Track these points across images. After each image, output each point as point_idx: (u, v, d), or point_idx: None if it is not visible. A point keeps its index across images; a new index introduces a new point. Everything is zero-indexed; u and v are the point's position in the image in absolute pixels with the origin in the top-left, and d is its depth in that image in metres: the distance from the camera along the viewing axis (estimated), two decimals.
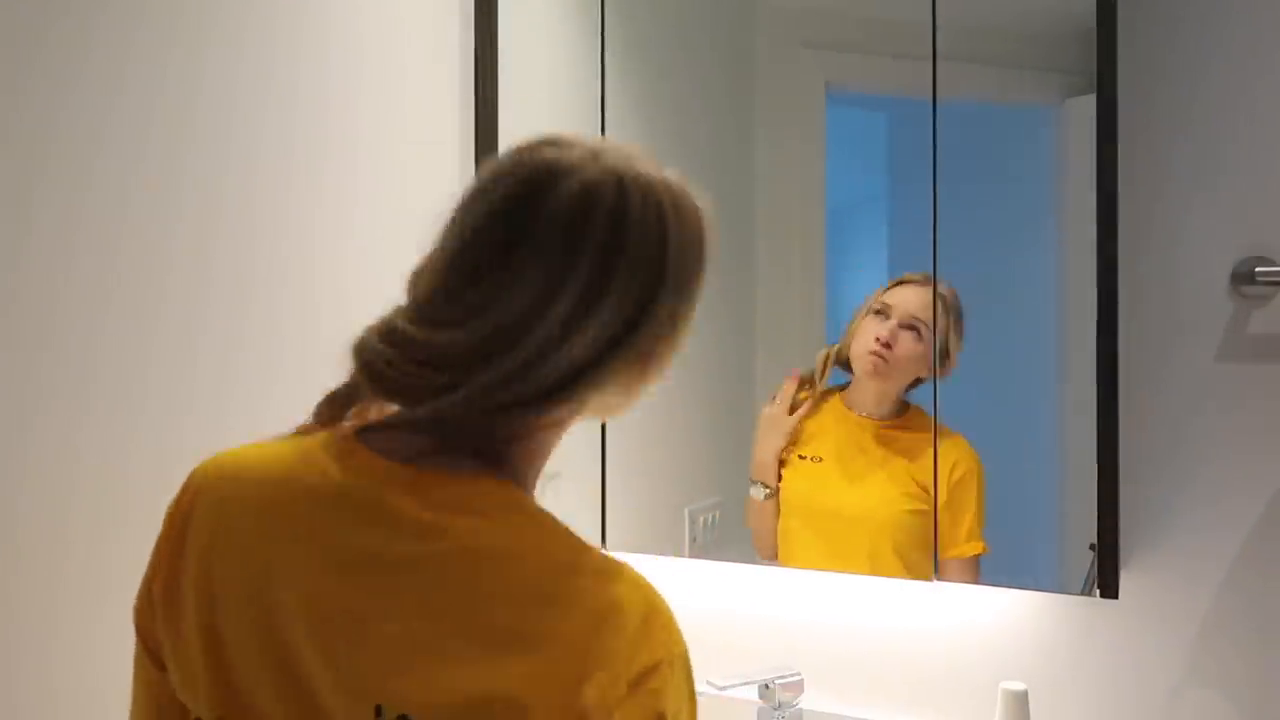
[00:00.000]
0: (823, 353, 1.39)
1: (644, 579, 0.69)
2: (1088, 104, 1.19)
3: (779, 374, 1.43)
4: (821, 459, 1.40)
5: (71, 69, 1.15)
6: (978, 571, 1.31)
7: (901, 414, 1.36)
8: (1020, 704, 1.19)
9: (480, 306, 0.70)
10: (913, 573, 1.32)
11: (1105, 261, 1.19)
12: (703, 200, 0.75)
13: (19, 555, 1.10)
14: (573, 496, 1.54)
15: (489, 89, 1.57)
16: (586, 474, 1.52)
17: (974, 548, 1.31)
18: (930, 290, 1.30)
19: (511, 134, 1.56)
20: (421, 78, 1.56)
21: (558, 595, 0.66)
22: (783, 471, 1.42)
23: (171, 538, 0.74)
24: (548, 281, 0.69)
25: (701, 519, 1.49)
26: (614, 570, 0.69)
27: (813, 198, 1.42)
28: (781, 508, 1.42)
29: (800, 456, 1.41)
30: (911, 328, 1.32)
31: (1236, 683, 1.20)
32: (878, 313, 1.34)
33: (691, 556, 1.47)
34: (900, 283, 1.34)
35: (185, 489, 0.75)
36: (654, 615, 0.67)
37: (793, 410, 1.41)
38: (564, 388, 0.70)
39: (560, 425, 0.76)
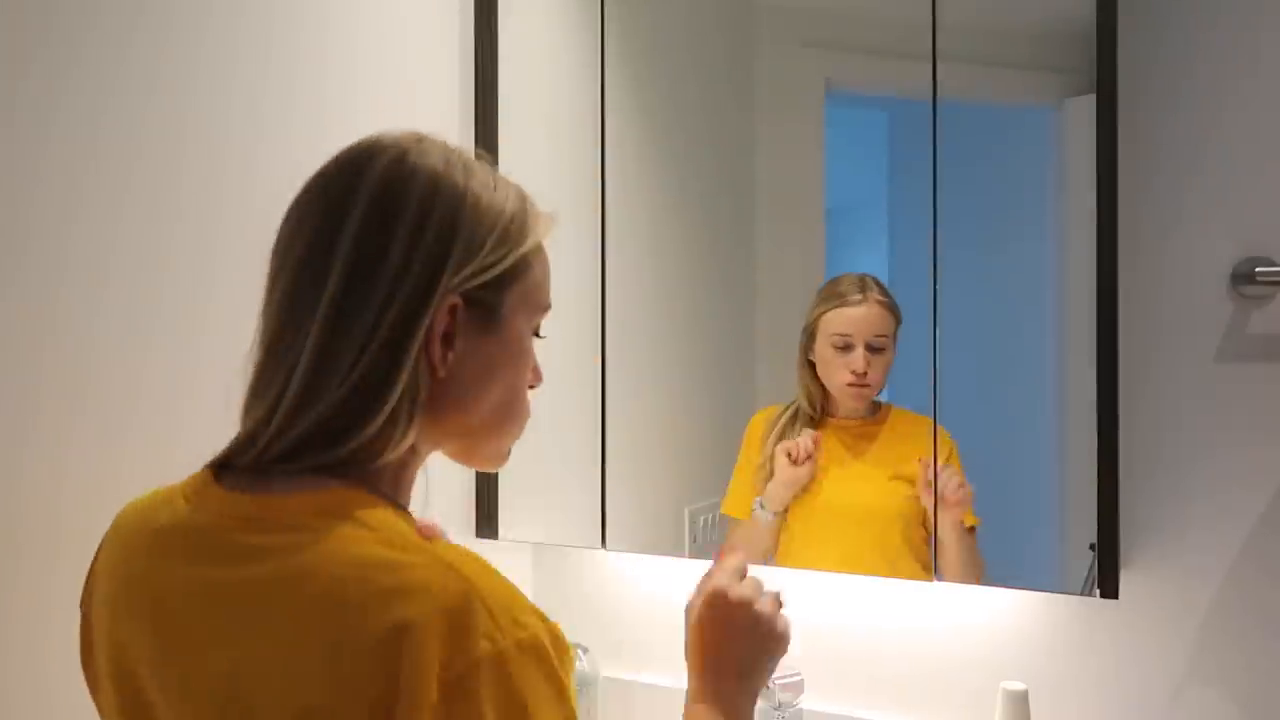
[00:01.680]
0: (789, 410, 1.41)
1: (457, 564, 0.63)
2: (1088, 104, 1.19)
3: (779, 374, 1.43)
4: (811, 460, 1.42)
5: (66, 68, 1.15)
6: (975, 544, 1.31)
7: (876, 411, 1.39)
8: (1020, 704, 1.19)
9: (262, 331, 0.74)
10: (922, 554, 1.33)
11: (1105, 261, 1.19)
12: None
13: (17, 557, 1.10)
14: (573, 496, 1.54)
15: (489, 89, 1.57)
16: (586, 474, 1.52)
17: (968, 521, 1.31)
18: (869, 305, 1.35)
19: (511, 134, 1.56)
20: (421, 78, 1.56)
21: (354, 601, 0.62)
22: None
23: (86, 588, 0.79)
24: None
25: (701, 519, 1.48)
26: (421, 563, 0.63)
27: (813, 198, 1.42)
28: (786, 517, 1.43)
29: (794, 462, 1.42)
30: (878, 349, 1.35)
31: (1237, 682, 1.20)
32: (840, 348, 1.36)
33: (691, 556, 1.47)
34: (837, 304, 1.36)
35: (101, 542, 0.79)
36: (465, 608, 0.61)
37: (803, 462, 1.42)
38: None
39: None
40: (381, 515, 0.68)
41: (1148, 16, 1.21)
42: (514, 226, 0.74)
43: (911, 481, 1.33)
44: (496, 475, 1.57)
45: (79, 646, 0.80)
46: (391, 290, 0.68)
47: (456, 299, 0.71)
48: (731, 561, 0.92)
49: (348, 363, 0.68)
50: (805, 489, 1.41)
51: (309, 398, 0.68)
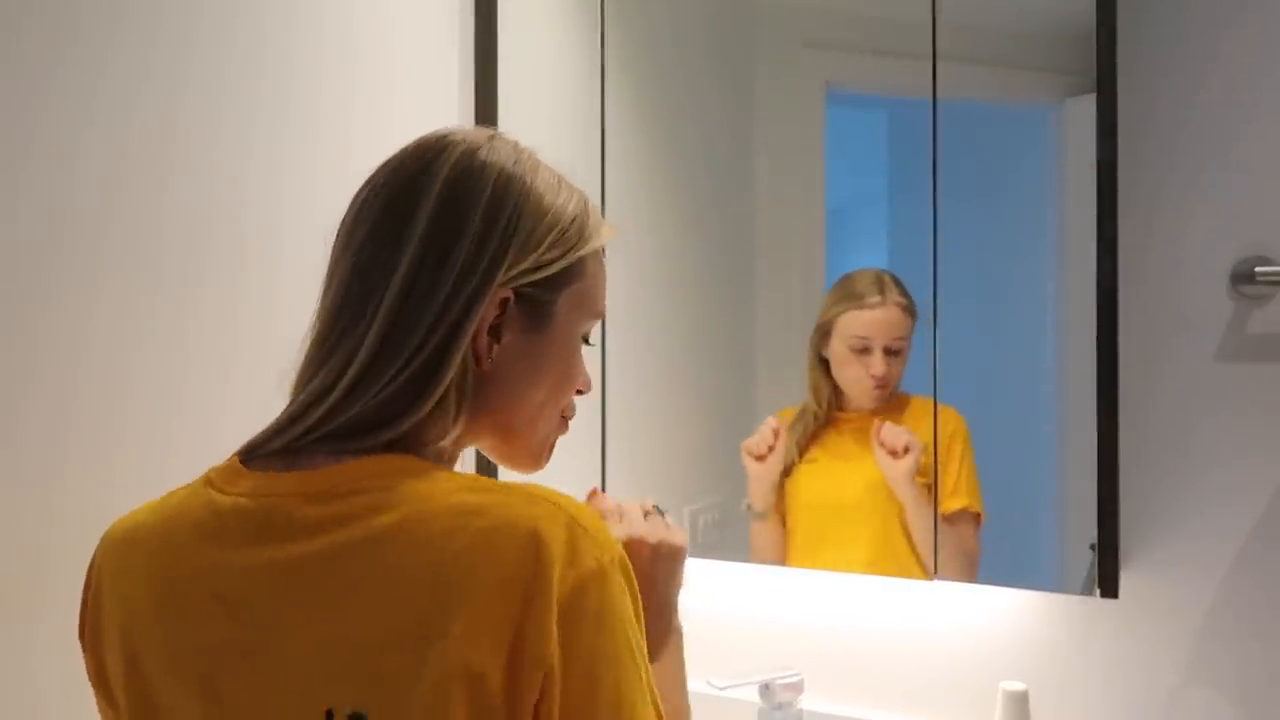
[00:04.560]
0: (794, 411, 1.40)
1: (546, 495, 0.67)
2: (1088, 104, 1.19)
3: (778, 373, 1.44)
4: (816, 459, 1.41)
5: (53, 64, 1.15)
6: (977, 532, 1.30)
7: (889, 400, 1.38)
8: (1020, 704, 1.19)
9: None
10: (923, 536, 1.32)
11: (1104, 261, 1.19)
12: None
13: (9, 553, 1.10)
14: (573, 497, 1.54)
15: (489, 89, 1.57)
16: (586, 474, 1.52)
17: (961, 501, 1.30)
18: (888, 308, 1.33)
19: (511, 134, 1.56)
20: (421, 78, 1.56)
21: (461, 543, 0.63)
22: (785, 480, 1.42)
23: (87, 619, 0.76)
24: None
25: (701, 519, 1.49)
26: (515, 500, 0.66)
27: (813, 198, 1.42)
28: (789, 512, 1.42)
29: (806, 461, 1.42)
30: (895, 351, 1.34)
31: (1237, 682, 1.20)
32: (859, 351, 1.35)
33: (692, 556, 1.47)
34: (855, 306, 1.35)
35: (91, 566, 0.76)
36: (572, 532, 0.64)
37: (766, 455, 1.41)
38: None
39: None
40: (446, 472, 0.69)
41: (1148, 16, 1.21)
42: (573, 229, 0.76)
43: (924, 472, 1.33)
44: (496, 475, 1.57)
45: (88, 677, 0.76)
46: (457, 282, 0.70)
47: (509, 293, 0.72)
48: (601, 505, 0.88)
49: (411, 349, 0.69)
50: (790, 481, 1.40)
51: (369, 380, 0.69)
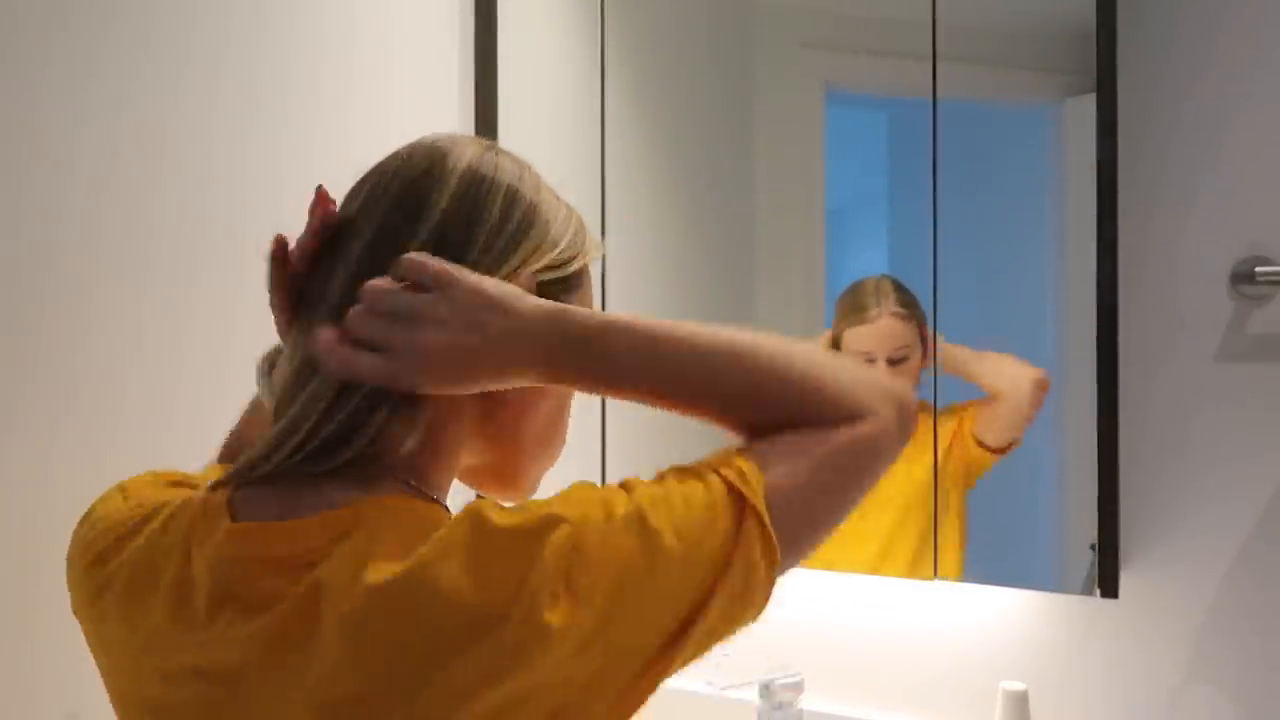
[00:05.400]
0: None
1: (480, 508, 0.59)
2: (1088, 104, 1.19)
3: None
4: None
5: (45, 63, 1.15)
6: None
7: None
8: (1020, 704, 1.19)
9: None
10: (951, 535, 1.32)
11: (1104, 261, 1.19)
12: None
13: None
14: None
15: (489, 89, 1.57)
16: (586, 474, 1.51)
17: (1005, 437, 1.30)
18: (884, 320, 1.33)
19: (511, 134, 1.56)
20: (421, 78, 1.56)
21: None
22: None
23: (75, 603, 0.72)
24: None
25: None
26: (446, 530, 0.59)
27: (813, 198, 1.42)
28: None
29: None
30: (899, 360, 1.34)
31: (1237, 682, 1.20)
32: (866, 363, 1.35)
33: None
34: (855, 322, 1.35)
35: (68, 562, 0.72)
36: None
37: None
38: None
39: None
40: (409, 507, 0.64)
41: (1148, 16, 1.21)
42: (578, 236, 0.73)
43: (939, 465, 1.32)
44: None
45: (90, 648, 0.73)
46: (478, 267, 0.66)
47: (533, 281, 0.68)
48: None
49: None
50: None
51: (361, 395, 0.64)
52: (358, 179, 0.73)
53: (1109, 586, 1.20)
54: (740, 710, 1.34)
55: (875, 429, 0.68)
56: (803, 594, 1.41)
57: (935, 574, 1.31)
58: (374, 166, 0.73)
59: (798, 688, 1.30)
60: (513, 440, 0.74)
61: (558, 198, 0.74)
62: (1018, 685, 1.20)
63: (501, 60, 1.57)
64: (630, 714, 0.61)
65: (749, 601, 0.64)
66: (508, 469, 0.76)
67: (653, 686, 0.61)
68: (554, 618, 0.56)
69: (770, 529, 0.63)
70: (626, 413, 1.52)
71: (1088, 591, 1.23)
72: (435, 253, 0.65)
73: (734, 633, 0.64)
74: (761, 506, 0.62)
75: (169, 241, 1.25)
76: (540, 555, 0.57)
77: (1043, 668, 1.28)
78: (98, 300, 1.18)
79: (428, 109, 1.55)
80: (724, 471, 0.64)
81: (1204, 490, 1.20)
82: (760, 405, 0.68)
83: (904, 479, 1.34)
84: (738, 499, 0.62)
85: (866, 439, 0.68)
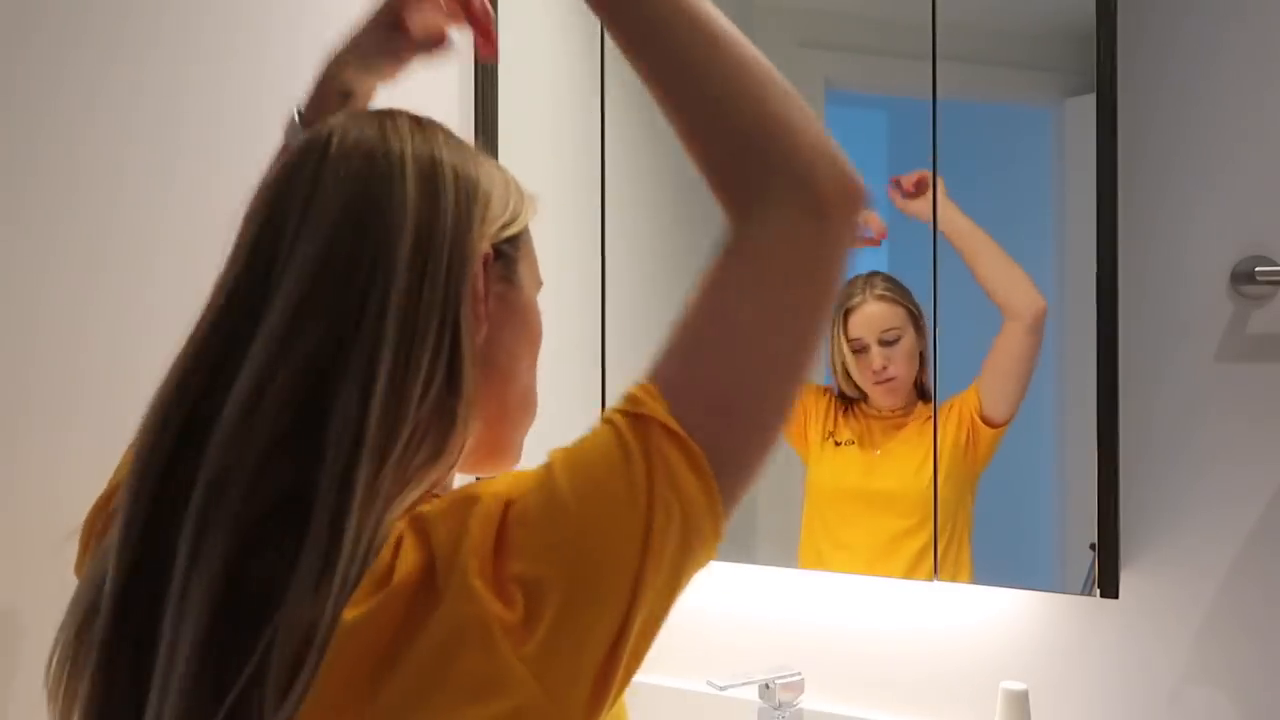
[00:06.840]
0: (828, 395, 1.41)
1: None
2: (1088, 104, 1.19)
3: None
4: (854, 442, 1.40)
5: (59, 65, 1.15)
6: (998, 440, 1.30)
7: (912, 405, 1.36)
8: (1020, 704, 1.19)
9: None
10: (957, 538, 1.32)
11: (1105, 261, 1.19)
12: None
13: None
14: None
15: (489, 89, 1.57)
16: None
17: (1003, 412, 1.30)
18: (869, 303, 1.34)
19: (512, 134, 1.56)
20: (421, 78, 1.55)
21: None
22: (812, 452, 1.42)
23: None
24: None
25: None
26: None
27: None
28: (817, 491, 1.42)
29: (836, 442, 1.41)
30: (890, 341, 1.34)
31: (1237, 682, 1.20)
32: (858, 351, 1.36)
33: None
34: (844, 312, 1.36)
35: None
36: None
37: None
38: None
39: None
40: None
41: (1148, 16, 1.21)
42: (514, 191, 0.74)
43: (945, 458, 1.32)
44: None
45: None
46: (447, 265, 0.66)
47: (489, 249, 0.69)
48: None
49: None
50: (816, 461, 1.40)
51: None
52: (246, 212, 0.73)
53: (1109, 586, 1.20)
54: (740, 710, 1.34)
55: (814, 213, 0.68)
56: (803, 594, 1.41)
57: (935, 574, 1.31)
58: (271, 185, 0.73)
59: (798, 687, 1.30)
60: (500, 410, 0.74)
61: (479, 160, 0.73)
62: (1018, 685, 1.20)
63: (501, 61, 1.57)
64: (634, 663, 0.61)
65: (695, 507, 0.61)
66: (501, 441, 0.75)
67: (647, 630, 0.61)
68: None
69: (679, 429, 0.60)
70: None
71: (1088, 591, 1.23)
72: (415, 255, 0.65)
73: (706, 547, 0.62)
74: (660, 411, 0.60)
75: (177, 243, 1.25)
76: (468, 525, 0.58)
77: (1043, 668, 1.28)
78: (100, 300, 1.18)
79: (427, 110, 1.55)
80: (621, 406, 0.62)
81: (1204, 490, 1.20)
82: (737, 109, 0.70)
83: (910, 479, 1.35)
84: (633, 419, 0.61)
85: (806, 237, 0.67)
